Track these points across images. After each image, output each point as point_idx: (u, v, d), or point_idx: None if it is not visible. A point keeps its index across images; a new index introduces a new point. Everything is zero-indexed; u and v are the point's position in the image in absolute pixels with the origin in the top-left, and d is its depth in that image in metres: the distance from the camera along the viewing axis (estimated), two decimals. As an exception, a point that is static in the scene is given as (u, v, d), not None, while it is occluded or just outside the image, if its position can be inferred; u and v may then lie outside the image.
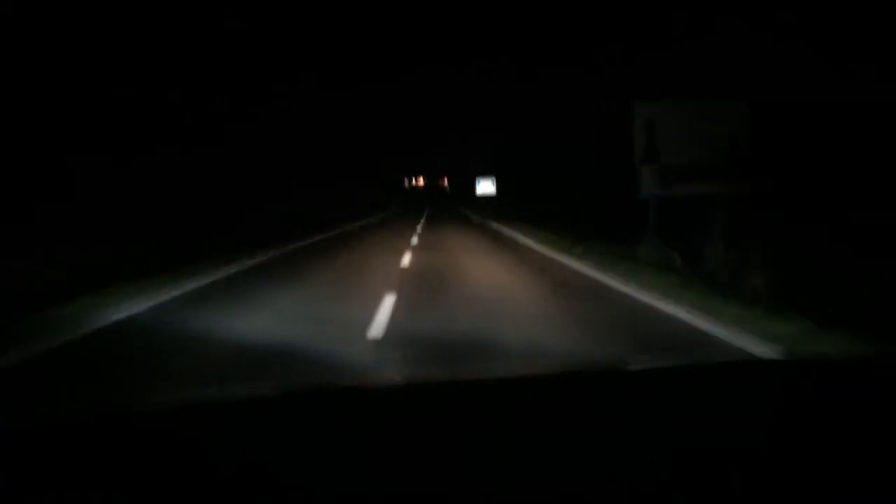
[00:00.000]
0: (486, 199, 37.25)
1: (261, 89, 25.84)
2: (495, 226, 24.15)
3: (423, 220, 32.36)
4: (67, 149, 13.60)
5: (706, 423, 1.01)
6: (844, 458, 0.86)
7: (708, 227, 10.60)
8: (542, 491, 0.77)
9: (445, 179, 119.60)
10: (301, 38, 31.22)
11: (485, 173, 38.10)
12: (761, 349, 4.69)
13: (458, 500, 0.77)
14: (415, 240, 17.91)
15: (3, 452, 0.91)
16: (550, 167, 27.06)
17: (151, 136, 16.89)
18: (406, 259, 12.16)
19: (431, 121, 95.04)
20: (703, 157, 10.80)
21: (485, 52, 41.86)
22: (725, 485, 0.80)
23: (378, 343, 5.14)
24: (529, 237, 17.15)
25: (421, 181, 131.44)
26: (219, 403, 1.23)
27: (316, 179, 34.25)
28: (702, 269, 9.70)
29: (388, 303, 6.95)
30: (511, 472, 0.83)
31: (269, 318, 6.27)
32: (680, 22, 15.87)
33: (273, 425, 1.03)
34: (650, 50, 17.26)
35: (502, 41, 37.76)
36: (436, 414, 1.08)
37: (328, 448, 0.92)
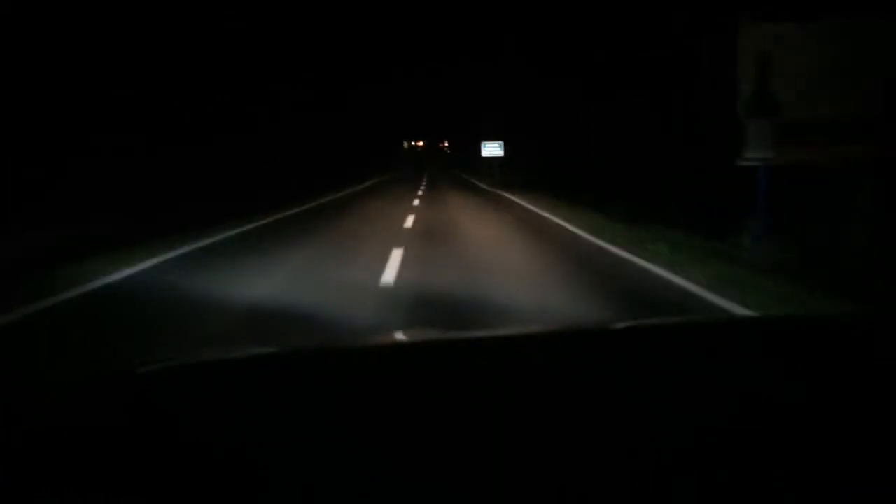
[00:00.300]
0: (491, 163, 32.96)
1: (260, 89, 26.03)
2: (512, 198, 19.33)
3: (423, 185, 29.56)
4: (66, 149, 13.57)
5: (709, 382, 0.99)
6: (834, 414, 0.85)
7: (849, 211, 7.20)
8: (543, 460, 0.75)
9: (446, 143, 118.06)
10: (299, 39, 30.95)
11: (489, 138, 34.20)
12: None
13: (455, 469, 0.74)
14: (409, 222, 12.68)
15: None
16: (556, 143, 25.41)
17: (150, 136, 16.70)
18: (393, 266, 6.99)
19: (432, 110, 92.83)
20: (845, 105, 7.30)
21: (484, 51, 41.15)
22: (729, 447, 0.77)
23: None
24: (560, 216, 12.74)
25: (420, 143, 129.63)
26: (213, 367, 1.15)
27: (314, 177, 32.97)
28: (828, 270, 6.38)
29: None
30: (512, 439, 0.79)
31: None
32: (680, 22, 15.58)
33: (265, 390, 0.99)
34: (650, 50, 17.05)
35: (501, 40, 35.23)
36: (433, 376, 1.05)
37: (323, 416, 0.88)
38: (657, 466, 0.73)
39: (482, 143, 33.96)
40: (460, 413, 0.87)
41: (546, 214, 13.62)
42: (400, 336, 1.89)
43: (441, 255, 7.99)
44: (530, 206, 15.81)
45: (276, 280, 6.25)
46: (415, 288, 5.87)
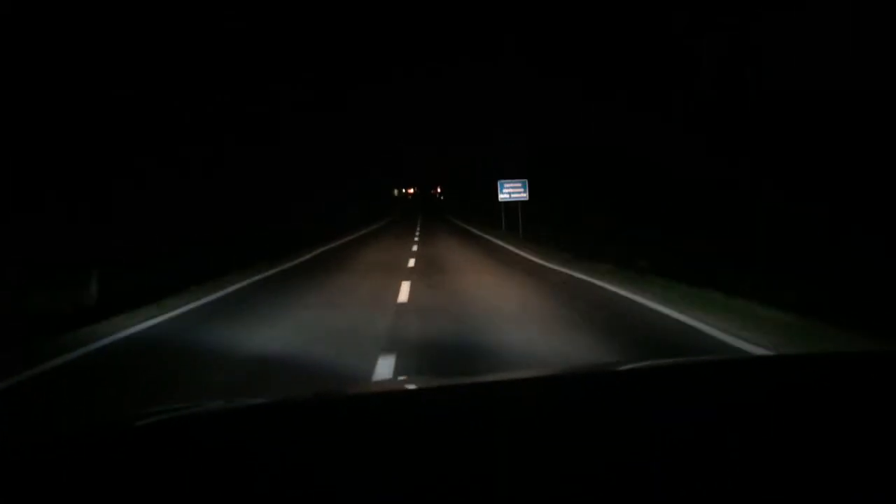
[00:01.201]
0: (512, 208, 22.93)
1: (257, 91, 25.64)
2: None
3: (413, 248, 17.88)
4: (64, 151, 13.57)
5: (708, 419, 0.99)
6: (842, 454, 0.84)
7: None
8: (542, 490, 0.75)
9: (439, 188, 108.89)
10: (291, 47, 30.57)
11: (506, 175, 23.46)
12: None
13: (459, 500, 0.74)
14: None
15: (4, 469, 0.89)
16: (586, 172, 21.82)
17: (146, 147, 16.25)
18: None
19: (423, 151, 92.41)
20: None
21: (484, 51, 41.46)
22: (725, 482, 0.77)
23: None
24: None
25: (411, 190, 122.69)
26: (221, 414, 1.18)
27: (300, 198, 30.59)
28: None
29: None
30: (513, 474, 0.80)
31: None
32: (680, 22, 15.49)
33: (275, 435, 1.00)
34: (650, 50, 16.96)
35: (502, 40, 35.93)
36: (438, 419, 1.04)
37: (331, 458, 0.88)
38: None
39: (499, 183, 22.74)
40: (461, 456, 0.85)
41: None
42: (400, 384, 1.83)
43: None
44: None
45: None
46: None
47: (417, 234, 25.32)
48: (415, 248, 17.95)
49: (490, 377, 1.64)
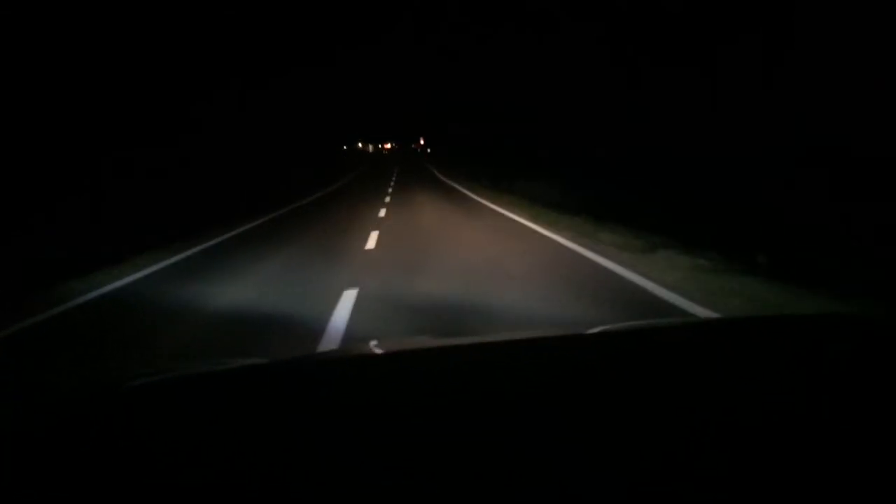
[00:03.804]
0: None
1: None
2: None
3: None
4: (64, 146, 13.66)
5: (696, 384, 0.97)
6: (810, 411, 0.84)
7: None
8: (544, 462, 0.72)
9: (422, 140, 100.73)
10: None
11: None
12: None
13: (450, 474, 0.70)
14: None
15: None
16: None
17: (132, 134, 16.40)
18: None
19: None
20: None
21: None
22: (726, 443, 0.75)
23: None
24: None
25: (388, 145, 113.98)
26: (198, 382, 1.14)
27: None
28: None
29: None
30: (502, 442, 0.76)
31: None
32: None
33: (252, 407, 0.94)
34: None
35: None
36: (424, 383, 1.02)
37: (309, 428, 0.84)
38: (648, 469, 0.69)
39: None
40: (452, 418, 0.83)
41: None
42: (389, 345, 1.82)
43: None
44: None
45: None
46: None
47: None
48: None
49: (468, 340, 1.51)
